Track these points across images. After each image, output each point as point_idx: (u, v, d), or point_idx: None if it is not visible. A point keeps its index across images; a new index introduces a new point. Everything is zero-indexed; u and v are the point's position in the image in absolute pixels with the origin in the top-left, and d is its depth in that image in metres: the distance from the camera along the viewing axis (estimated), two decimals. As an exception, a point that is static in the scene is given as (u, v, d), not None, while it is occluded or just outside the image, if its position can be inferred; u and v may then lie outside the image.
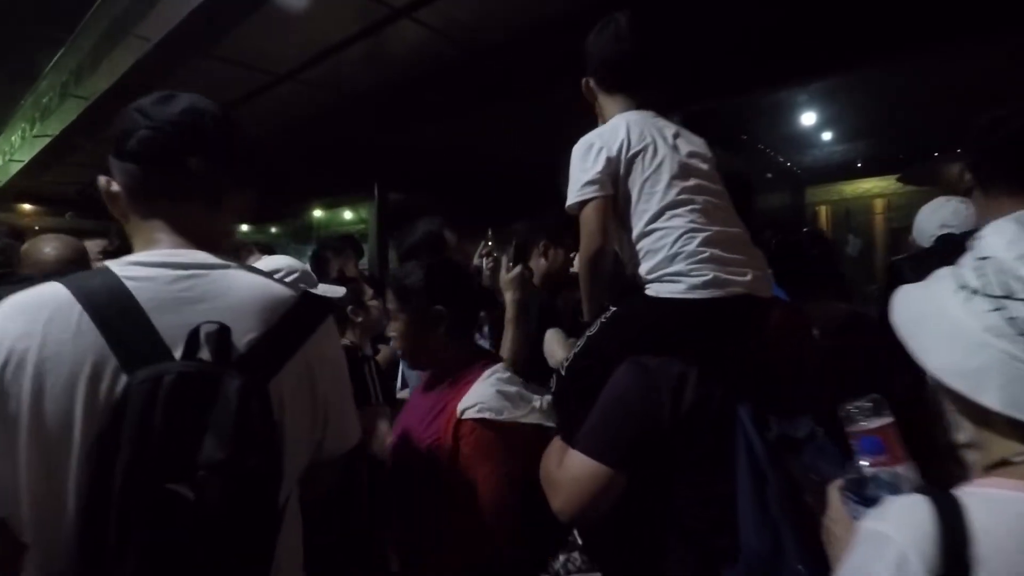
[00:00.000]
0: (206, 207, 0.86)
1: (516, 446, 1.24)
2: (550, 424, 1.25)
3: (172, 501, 0.66)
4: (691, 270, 1.09)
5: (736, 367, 1.10)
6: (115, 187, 0.85)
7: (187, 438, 0.68)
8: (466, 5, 3.29)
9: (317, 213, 9.98)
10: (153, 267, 0.78)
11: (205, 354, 0.73)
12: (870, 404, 0.81)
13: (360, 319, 1.92)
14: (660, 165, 1.17)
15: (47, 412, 0.70)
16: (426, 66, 4.00)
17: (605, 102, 1.29)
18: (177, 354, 0.73)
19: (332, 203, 8.26)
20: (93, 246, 2.23)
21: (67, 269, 1.66)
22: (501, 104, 4.33)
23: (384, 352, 2.63)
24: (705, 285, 1.08)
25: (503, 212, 2.53)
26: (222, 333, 0.74)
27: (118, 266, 0.79)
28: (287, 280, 1.48)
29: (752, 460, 0.99)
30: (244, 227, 11.38)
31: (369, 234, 5.93)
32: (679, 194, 1.15)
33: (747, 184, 1.45)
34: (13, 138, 8.40)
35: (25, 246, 2.01)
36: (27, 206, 10.24)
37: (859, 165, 5.82)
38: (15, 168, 8.18)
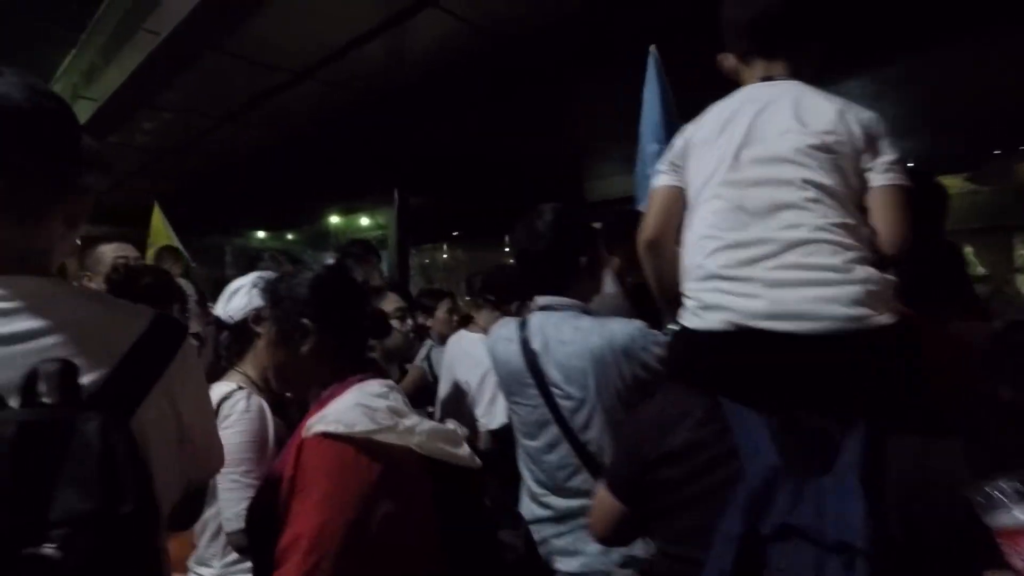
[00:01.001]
0: (17, 221, 0.70)
1: (382, 470, 0.94)
2: (428, 453, 0.97)
3: (32, 568, 0.56)
4: (690, 289, 0.95)
5: (782, 416, 0.84)
6: None
7: (41, 494, 0.59)
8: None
9: (334, 219, 9.87)
10: None
11: (49, 398, 0.62)
12: None
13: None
14: (716, 153, 0.97)
15: None
16: (451, 60, 3.75)
17: (745, 75, 1.04)
18: (13, 402, 0.62)
19: (350, 208, 8.07)
20: (109, 251, 2.13)
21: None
22: (531, 102, 4.08)
23: (411, 374, 2.36)
24: (695, 311, 0.92)
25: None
26: (66, 371, 0.64)
27: None
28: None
29: (722, 541, 0.80)
30: (261, 234, 11.32)
31: (389, 241, 5.69)
32: (713, 189, 0.96)
33: (924, 183, 1.18)
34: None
35: None
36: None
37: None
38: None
